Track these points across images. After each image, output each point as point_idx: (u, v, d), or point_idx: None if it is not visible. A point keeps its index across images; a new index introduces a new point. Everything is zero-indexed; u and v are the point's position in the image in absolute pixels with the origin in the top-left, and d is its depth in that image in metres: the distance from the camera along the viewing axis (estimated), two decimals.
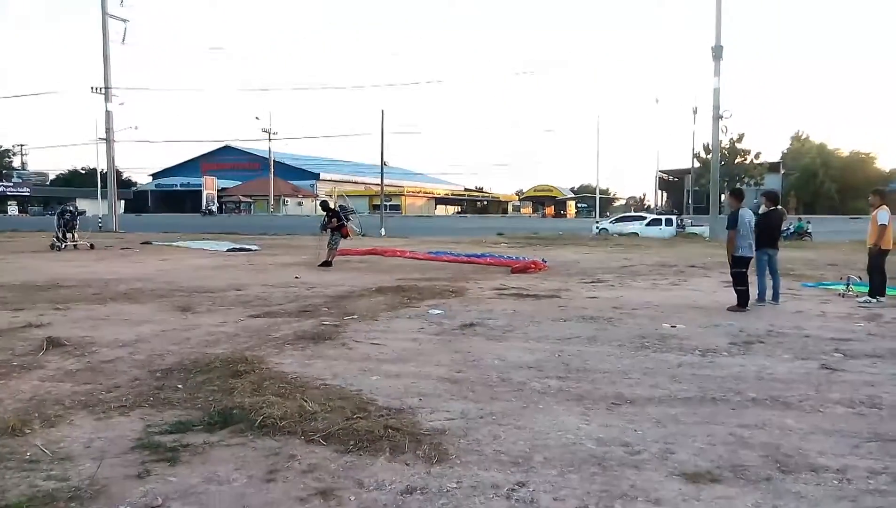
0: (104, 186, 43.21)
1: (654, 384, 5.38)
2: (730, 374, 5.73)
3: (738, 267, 9.34)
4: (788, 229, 28.08)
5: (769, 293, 9.81)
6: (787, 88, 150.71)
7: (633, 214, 38.85)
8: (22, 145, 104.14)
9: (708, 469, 3.68)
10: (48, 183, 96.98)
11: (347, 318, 8.45)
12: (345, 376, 5.58)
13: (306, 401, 4.69)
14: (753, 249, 9.51)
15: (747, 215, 9.52)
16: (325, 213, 16.77)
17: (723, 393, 5.13)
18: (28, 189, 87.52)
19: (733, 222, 9.36)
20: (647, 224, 34.64)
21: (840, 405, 4.86)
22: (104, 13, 39.21)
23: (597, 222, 39.72)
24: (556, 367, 5.95)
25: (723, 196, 11.11)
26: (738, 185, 69.38)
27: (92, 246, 22.27)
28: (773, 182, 74.51)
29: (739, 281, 9.33)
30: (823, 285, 12.07)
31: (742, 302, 9.28)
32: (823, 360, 6.28)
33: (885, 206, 9.87)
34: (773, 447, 4.02)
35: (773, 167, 74.83)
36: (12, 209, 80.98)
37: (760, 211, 10.58)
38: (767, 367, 5.99)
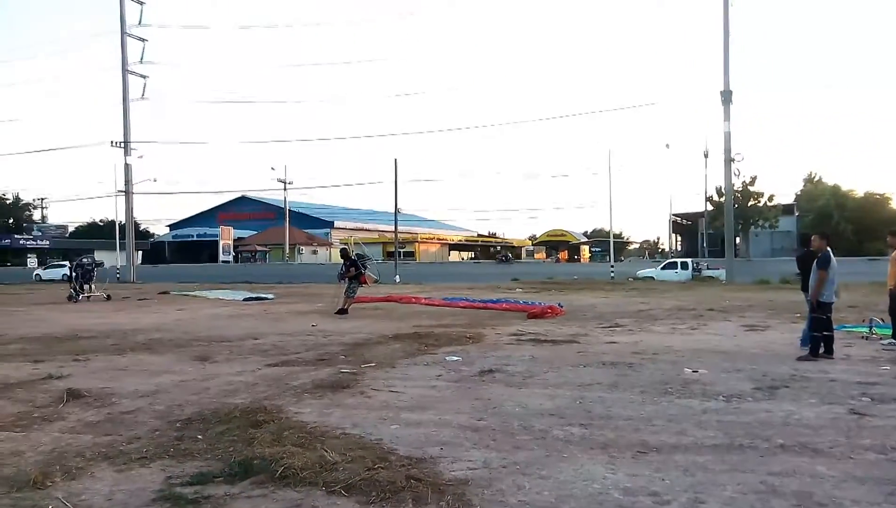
0: (122, 237, 43.79)
1: (679, 431, 5.28)
2: (756, 420, 5.62)
3: (825, 312, 8.75)
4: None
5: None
6: (799, 130, 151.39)
7: (675, 260, 38.88)
8: (42, 199, 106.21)
9: None
10: (68, 235, 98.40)
11: (365, 366, 8.41)
12: (364, 425, 5.53)
13: (327, 451, 4.64)
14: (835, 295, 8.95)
15: (833, 259, 9.00)
16: (343, 261, 16.88)
17: (750, 440, 5.03)
18: (48, 242, 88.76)
19: (825, 263, 8.74)
20: (692, 268, 34.05)
21: (871, 452, 4.74)
22: (124, 70, 40.43)
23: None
24: (578, 414, 5.87)
25: (813, 238, 10.00)
26: (752, 228, 69.42)
27: (109, 297, 22.47)
28: (787, 224, 74.22)
29: (823, 327, 8.74)
30: (845, 327, 11.87)
31: (816, 350, 8.67)
32: (851, 405, 6.15)
33: None
34: (806, 495, 3.92)
35: (787, 209, 74.63)
36: (32, 262, 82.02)
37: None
38: (794, 412, 5.87)
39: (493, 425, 5.52)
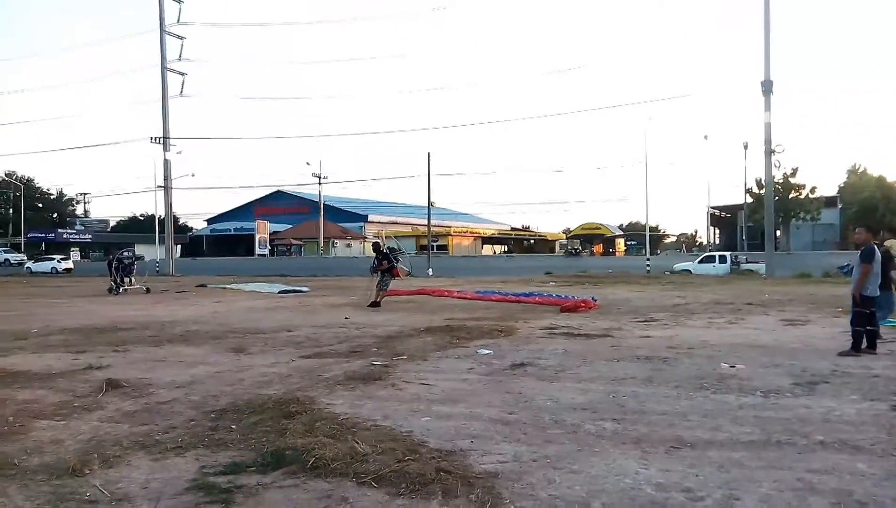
0: (162, 231, 44.64)
1: (714, 427, 5.18)
2: (794, 416, 5.49)
3: (867, 307, 8.50)
4: (848, 265, 27.11)
5: None
6: (842, 121, 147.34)
7: (713, 253, 38.25)
8: (85, 194, 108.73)
9: None
10: (109, 229, 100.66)
11: (397, 358, 8.44)
12: (395, 417, 5.55)
13: (358, 442, 4.67)
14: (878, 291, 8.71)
15: (877, 253, 8.75)
16: (375, 254, 16.98)
17: (788, 436, 4.91)
18: (90, 236, 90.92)
19: (869, 256, 8.50)
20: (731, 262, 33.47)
21: None
22: (163, 67, 41.13)
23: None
24: (610, 409, 5.81)
25: (856, 231, 9.55)
26: (793, 220, 67.94)
27: (148, 290, 22.94)
28: (830, 217, 72.40)
29: (866, 322, 8.50)
30: (890, 322, 11.54)
31: (858, 346, 8.46)
32: (894, 401, 5.97)
33: None
34: (845, 493, 3.81)
35: (829, 201, 72.81)
36: (75, 255, 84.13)
37: None
38: (834, 409, 5.73)
39: (524, 418, 5.49)
